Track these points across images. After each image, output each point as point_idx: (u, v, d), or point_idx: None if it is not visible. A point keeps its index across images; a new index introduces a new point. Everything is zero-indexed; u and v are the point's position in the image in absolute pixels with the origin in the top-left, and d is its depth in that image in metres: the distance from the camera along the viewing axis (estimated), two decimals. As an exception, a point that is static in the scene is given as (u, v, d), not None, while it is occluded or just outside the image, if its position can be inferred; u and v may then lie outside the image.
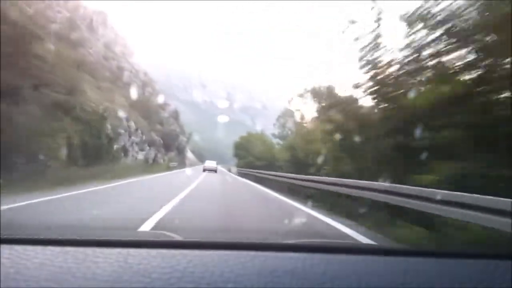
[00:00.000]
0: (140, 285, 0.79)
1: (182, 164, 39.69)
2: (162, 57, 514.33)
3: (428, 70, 6.78)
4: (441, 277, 0.86)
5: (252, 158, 31.90)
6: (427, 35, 6.63)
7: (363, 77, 8.02)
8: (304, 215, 6.90)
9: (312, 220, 6.24)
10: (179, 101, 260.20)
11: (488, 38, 5.58)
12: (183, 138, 50.50)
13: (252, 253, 0.97)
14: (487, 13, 5.66)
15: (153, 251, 0.97)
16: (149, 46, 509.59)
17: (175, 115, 49.31)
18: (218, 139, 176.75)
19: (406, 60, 7.11)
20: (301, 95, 37.80)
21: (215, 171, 32.19)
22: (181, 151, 49.15)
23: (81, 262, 0.89)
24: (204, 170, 31.70)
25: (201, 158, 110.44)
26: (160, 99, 44.89)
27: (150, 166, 24.05)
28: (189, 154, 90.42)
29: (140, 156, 22.45)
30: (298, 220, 6.18)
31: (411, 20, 6.85)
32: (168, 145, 37.97)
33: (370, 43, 7.68)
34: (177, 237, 1.34)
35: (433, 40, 6.48)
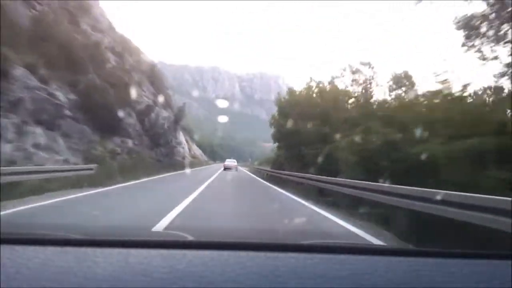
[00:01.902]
0: (141, 285, 0.78)
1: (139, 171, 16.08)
2: (172, 52, 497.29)
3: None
4: (441, 277, 0.86)
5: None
6: None
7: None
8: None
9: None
10: (191, 98, 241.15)
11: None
12: (167, 116, 28.28)
13: (252, 253, 0.97)
14: None
15: (154, 251, 0.96)
16: (158, 41, 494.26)
17: (150, 73, 27.11)
18: (233, 136, 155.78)
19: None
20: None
21: (236, 169, 33.93)
22: (162, 140, 26.91)
23: (82, 262, 0.88)
24: (225, 168, 33.04)
25: (213, 156, 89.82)
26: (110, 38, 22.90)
27: None
28: (197, 151, 69.31)
29: None
30: (298, 220, 5.94)
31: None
32: (111, 123, 15.93)
33: None
34: (178, 237, 1.31)
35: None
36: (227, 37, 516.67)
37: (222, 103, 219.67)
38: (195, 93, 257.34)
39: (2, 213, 6.04)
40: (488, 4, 13.76)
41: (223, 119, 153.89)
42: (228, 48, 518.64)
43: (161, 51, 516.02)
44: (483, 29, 13.52)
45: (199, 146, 71.58)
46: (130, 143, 17.87)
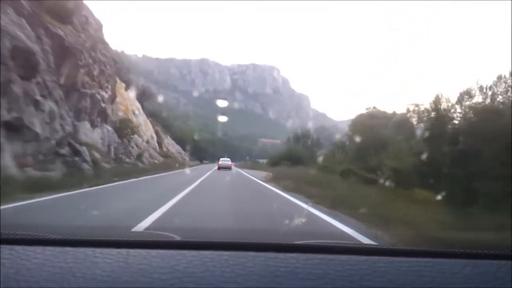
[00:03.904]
0: (140, 285, 0.79)
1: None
2: (156, 45, 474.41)
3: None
4: (441, 277, 0.86)
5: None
6: None
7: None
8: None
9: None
10: (178, 92, 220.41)
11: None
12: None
13: (252, 253, 0.96)
14: None
15: (153, 252, 0.96)
16: (141, 34, 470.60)
17: None
18: (226, 133, 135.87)
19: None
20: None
21: (230, 168, 31.22)
22: None
23: (81, 262, 0.88)
24: (219, 168, 31.19)
25: (199, 155, 69.50)
26: None
27: None
28: (172, 147, 49.09)
29: None
30: (299, 221, 5.68)
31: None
32: None
33: None
34: (177, 238, 1.28)
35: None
36: (214, 26, 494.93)
37: (221, 103, 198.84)
38: (182, 87, 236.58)
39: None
40: None
41: (222, 118, 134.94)
42: (216, 39, 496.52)
43: (144, 45, 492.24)
44: None
45: (178, 141, 50.84)
46: None
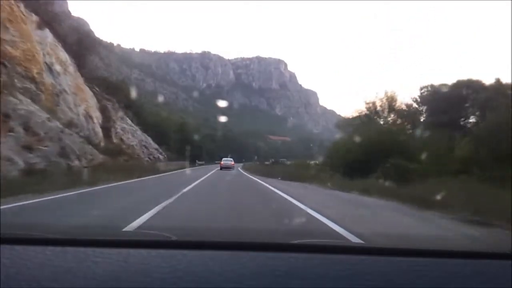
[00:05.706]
0: (140, 285, 0.79)
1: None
2: (155, 38, 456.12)
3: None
4: (441, 277, 0.86)
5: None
6: None
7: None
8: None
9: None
10: (177, 87, 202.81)
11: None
12: None
13: (252, 253, 0.97)
14: None
15: (153, 251, 0.96)
16: (138, 26, 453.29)
17: None
18: (230, 129, 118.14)
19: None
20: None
21: (232, 168, 29.88)
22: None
23: (82, 261, 0.88)
24: (222, 168, 29.27)
25: (192, 153, 51.42)
26: None
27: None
28: (132, 139, 31.24)
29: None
30: (298, 220, 5.85)
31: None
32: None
33: None
34: (177, 237, 1.26)
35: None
36: (216, 18, 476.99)
37: (221, 103, 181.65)
38: (182, 82, 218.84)
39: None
40: None
41: (223, 119, 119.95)
42: (218, 31, 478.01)
43: (142, 38, 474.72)
44: None
45: (149, 129, 32.50)
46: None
